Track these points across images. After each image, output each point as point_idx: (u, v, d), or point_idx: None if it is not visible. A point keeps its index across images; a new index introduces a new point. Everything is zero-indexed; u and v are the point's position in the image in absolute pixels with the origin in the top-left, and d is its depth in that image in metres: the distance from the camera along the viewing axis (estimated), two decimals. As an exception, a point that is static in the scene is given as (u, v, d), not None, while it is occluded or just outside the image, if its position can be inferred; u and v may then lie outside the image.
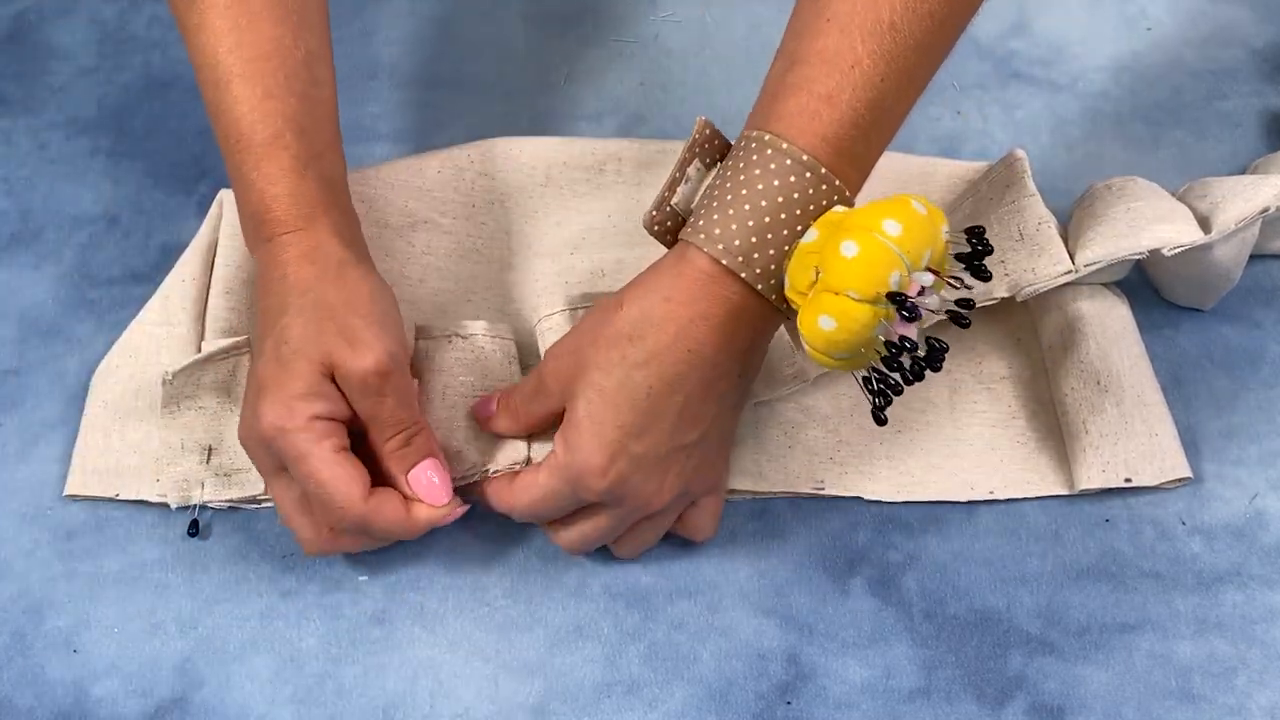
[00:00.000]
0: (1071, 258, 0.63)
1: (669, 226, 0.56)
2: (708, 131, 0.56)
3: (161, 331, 0.65)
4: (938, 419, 0.65)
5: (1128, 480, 0.62)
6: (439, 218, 0.70)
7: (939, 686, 0.57)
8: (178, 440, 0.61)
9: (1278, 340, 0.68)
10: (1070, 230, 0.66)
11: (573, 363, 0.55)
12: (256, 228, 0.58)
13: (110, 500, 0.62)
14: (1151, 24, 0.82)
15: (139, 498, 0.62)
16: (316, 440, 0.53)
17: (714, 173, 0.56)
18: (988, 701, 0.57)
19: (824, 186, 0.53)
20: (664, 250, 0.57)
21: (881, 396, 0.53)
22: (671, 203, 0.56)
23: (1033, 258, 0.63)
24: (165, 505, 0.61)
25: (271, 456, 0.55)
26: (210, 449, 0.61)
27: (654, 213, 0.56)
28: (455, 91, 0.79)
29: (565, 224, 0.71)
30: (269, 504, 0.62)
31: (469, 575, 0.60)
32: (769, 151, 0.53)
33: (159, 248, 0.71)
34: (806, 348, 0.52)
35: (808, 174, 0.53)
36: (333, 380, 0.55)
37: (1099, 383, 0.63)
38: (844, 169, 0.54)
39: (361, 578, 0.60)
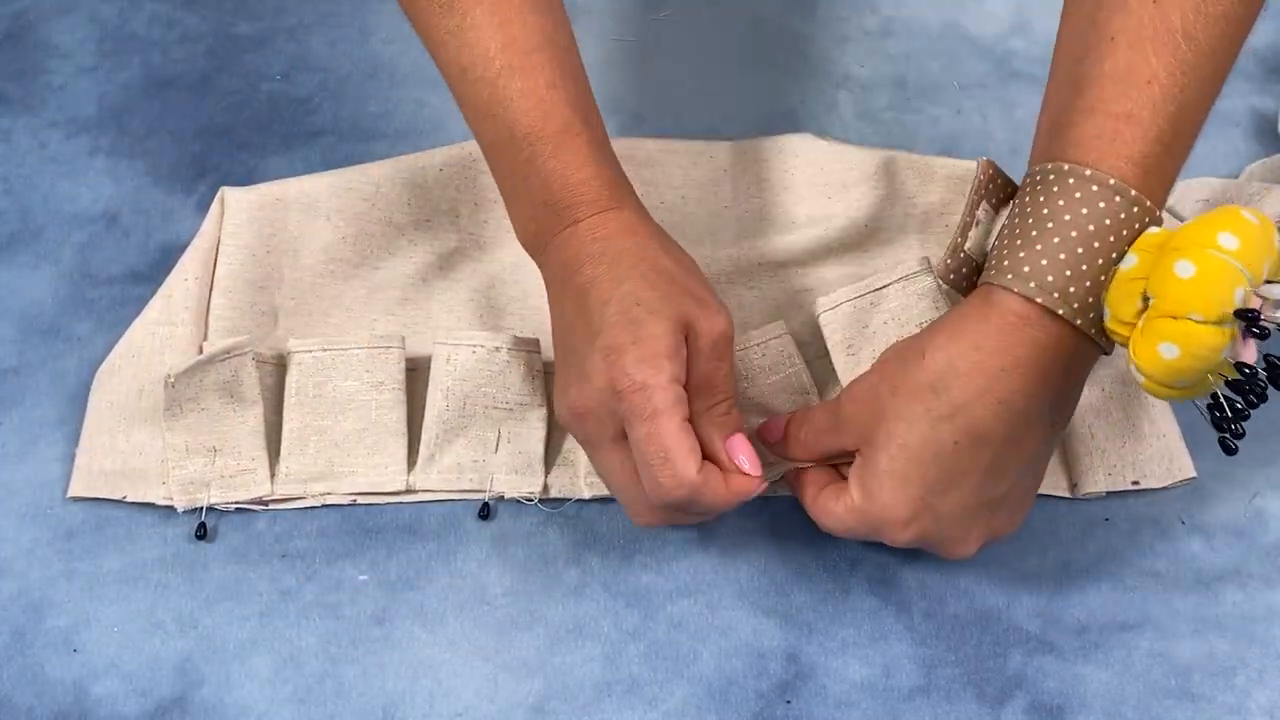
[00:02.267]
0: None
1: (964, 274, 0.55)
2: (991, 172, 0.55)
3: (164, 331, 0.65)
4: None
5: (1135, 483, 0.61)
6: (440, 216, 0.70)
7: (939, 685, 0.57)
8: (182, 442, 0.61)
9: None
10: None
11: (871, 409, 0.54)
12: (558, 214, 0.57)
13: (111, 500, 0.62)
14: (1151, 24, 0.82)
15: (145, 500, 0.62)
16: (673, 403, 0.52)
17: (1006, 213, 0.54)
18: (987, 700, 0.57)
19: (1135, 209, 0.50)
20: None
21: (1231, 423, 0.50)
22: (965, 249, 0.54)
23: None
24: (169, 506, 0.61)
25: (612, 421, 0.53)
26: (215, 450, 0.61)
27: (948, 260, 0.54)
28: (455, 91, 0.79)
29: None
30: (276, 506, 0.62)
31: (469, 575, 0.60)
32: (1071, 181, 0.51)
33: (159, 247, 0.71)
34: (1142, 380, 0.48)
35: (1117, 198, 0.50)
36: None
37: (1103, 389, 0.63)
38: (1152, 188, 0.51)
39: (361, 577, 0.60)
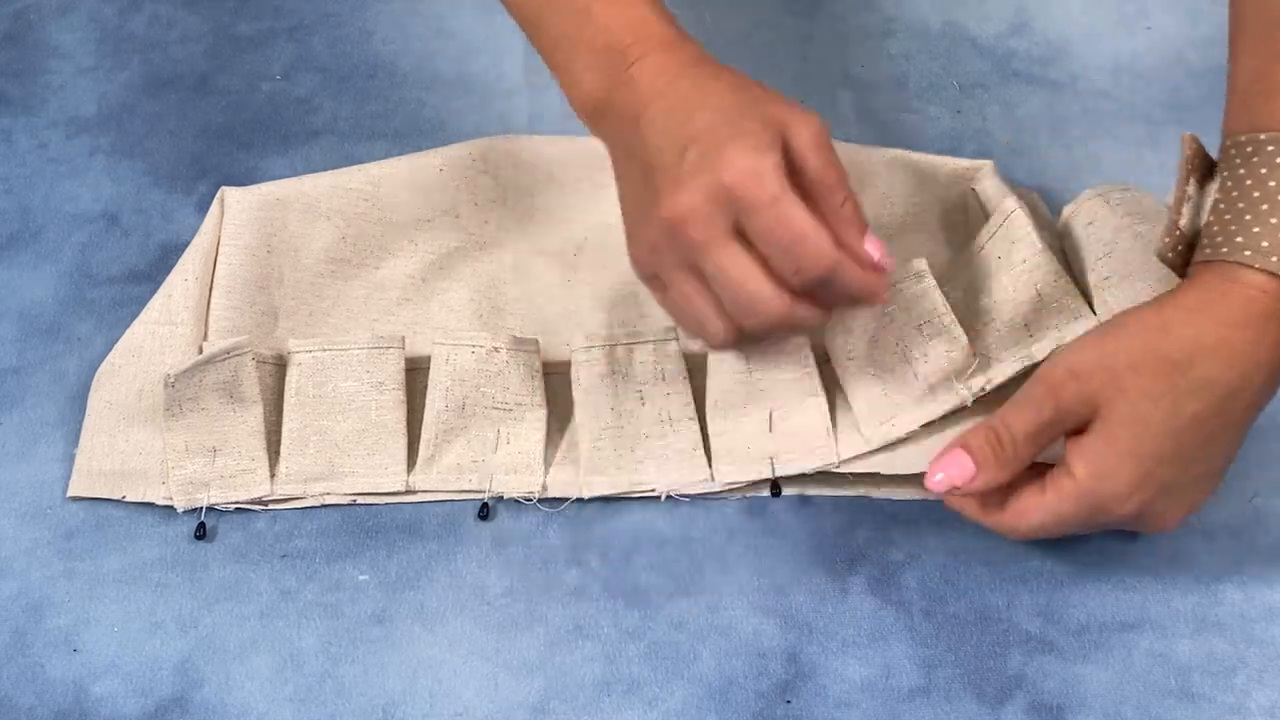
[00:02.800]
0: (1087, 295, 0.62)
1: (1180, 251, 0.54)
2: (1196, 146, 0.55)
3: (164, 330, 0.65)
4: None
5: None
6: (441, 215, 0.70)
7: (939, 685, 0.57)
8: (182, 442, 0.61)
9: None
10: (1071, 249, 0.65)
11: (1104, 383, 0.53)
12: (621, 54, 0.56)
13: (111, 500, 0.62)
14: (1151, 24, 0.82)
15: (145, 500, 0.62)
16: (788, 188, 0.51)
17: (1215, 187, 0.54)
18: (987, 700, 0.57)
19: None
20: None
21: None
22: (1180, 225, 0.54)
23: (1055, 315, 0.62)
24: (169, 506, 0.61)
25: (722, 218, 0.52)
26: (215, 450, 0.61)
27: (1166, 239, 0.54)
28: (455, 91, 0.79)
29: (568, 222, 0.71)
30: (275, 506, 0.62)
31: (469, 575, 0.60)
32: None
33: (159, 247, 0.71)
34: None
35: None
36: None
37: None
38: None
39: (362, 577, 0.60)
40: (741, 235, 0.53)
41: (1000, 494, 0.56)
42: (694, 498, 0.62)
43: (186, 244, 0.68)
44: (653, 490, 0.62)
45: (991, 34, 0.82)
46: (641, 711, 0.57)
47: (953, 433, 0.60)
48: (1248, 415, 0.54)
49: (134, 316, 0.66)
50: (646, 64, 0.56)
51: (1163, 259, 0.55)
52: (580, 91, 0.58)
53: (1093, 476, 0.53)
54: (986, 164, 0.70)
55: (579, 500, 0.62)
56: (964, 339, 0.61)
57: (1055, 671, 0.58)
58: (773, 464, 0.62)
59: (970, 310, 0.63)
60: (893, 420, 0.61)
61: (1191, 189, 0.54)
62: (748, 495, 0.63)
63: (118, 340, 0.66)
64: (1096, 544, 0.61)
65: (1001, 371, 0.61)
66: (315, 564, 0.61)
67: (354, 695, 0.57)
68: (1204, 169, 0.55)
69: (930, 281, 0.61)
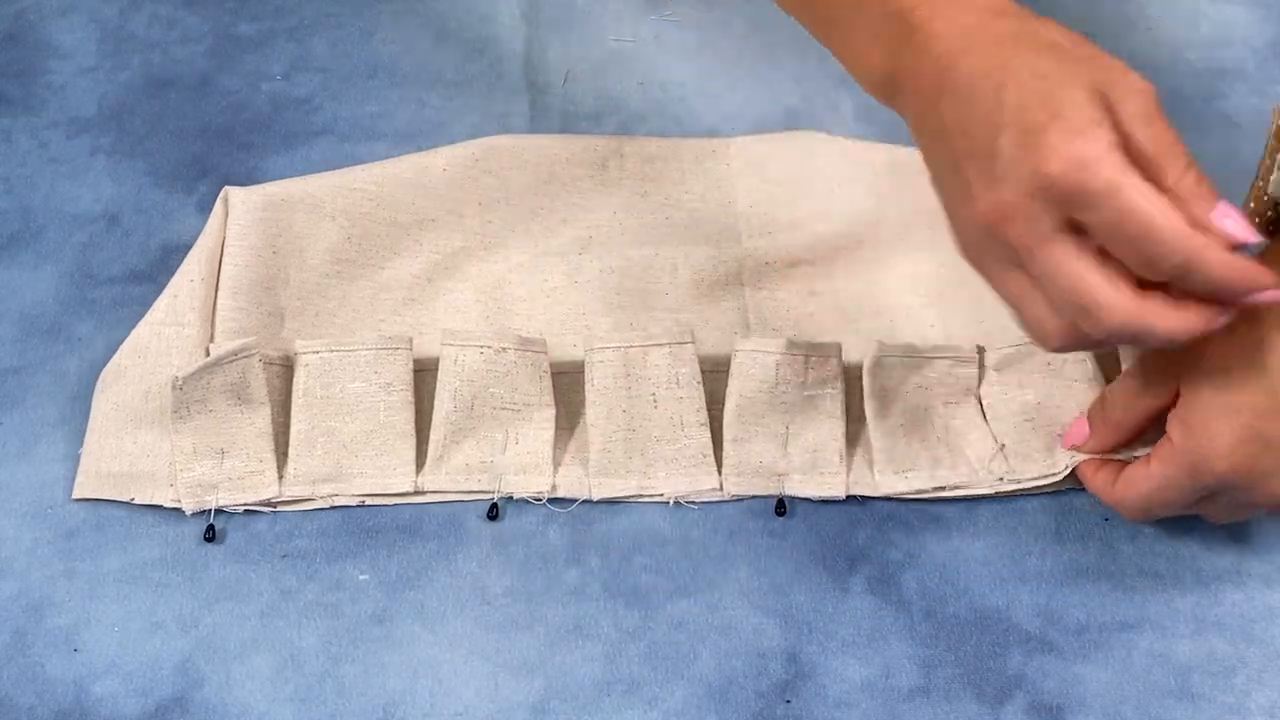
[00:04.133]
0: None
1: (1269, 217, 0.54)
2: None
3: (171, 331, 0.65)
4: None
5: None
6: (446, 215, 0.70)
7: (938, 685, 0.57)
8: (189, 445, 0.61)
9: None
10: None
11: (1190, 351, 0.52)
12: (906, 18, 0.51)
13: (112, 500, 0.62)
14: (1151, 24, 0.82)
15: (153, 502, 0.62)
16: (1126, 170, 0.45)
17: None
18: (987, 700, 0.57)
19: None
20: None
21: None
22: (1268, 192, 0.54)
23: None
24: (171, 507, 0.61)
25: (1049, 214, 0.46)
26: (223, 452, 0.61)
27: (1251, 204, 0.54)
28: (455, 91, 0.79)
29: (571, 221, 0.71)
30: (283, 507, 0.62)
31: (469, 574, 0.60)
32: None
33: (159, 247, 0.71)
34: None
35: None
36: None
37: None
38: None
39: (362, 577, 0.60)
40: (1075, 228, 0.47)
41: (1116, 469, 0.57)
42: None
43: (187, 244, 0.68)
44: (660, 496, 0.62)
45: (991, 34, 0.82)
46: (641, 711, 0.57)
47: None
48: None
49: (135, 316, 0.66)
50: (937, 25, 0.50)
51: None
52: (867, 68, 0.53)
53: (1184, 435, 0.53)
54: None
55: (583, 500, 0.62)
56: (992, 438, 0.62)
57: (1055, 671, 0.58)
58: (782, 483, 0.62)
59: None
60: (908, 474, 0.62)
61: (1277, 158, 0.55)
62: (747, 495, 0.63)
63: (119, 340, 0.66)
64: (1096, 544, 0.61)
65: (1027, 471, 0.62)
66: (316, 564, 0.61)
67: (354, 695, 0.57)
68: None
69: (973, 370, 0.63)
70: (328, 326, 0.66)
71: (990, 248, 0.49)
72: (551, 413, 0.63)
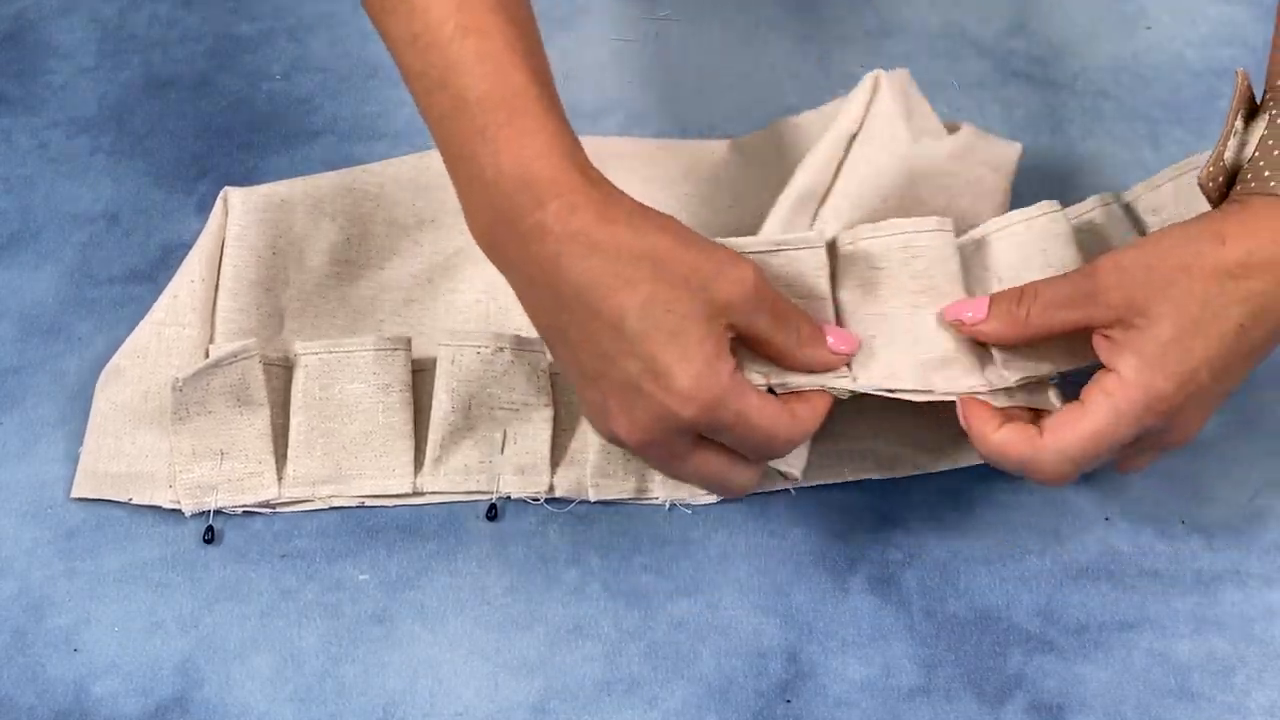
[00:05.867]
0: None
1: (1220, 182, 0.55)
2: (1247, 83, 0.56)
3: (170, 332, 0.65)
4: None
5: None
6: (444, 216, 0.70)
7: (938, 685, 0.57)
8: (189, 446, 0.61)
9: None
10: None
11: (1149, 281, 0.53)
12: (520, 193, 0.51)
13: (112, 500, 0.62)
14: (1151, 23, 0.82)
15: (152, 503, 0.62)
16: (745, 393, 0.51)
17: (1263, 125, 0.55)
18: (987, 700, 0.57)
19: None
20: None
21: None
22: (1224, 157, 0.55)
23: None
24: (172, 508, 0.61)
25: (682, 438, 0.52)
26: (223, 454, 0.61)
27: (1210, 168, 0.55)
28: (455, 91, 0.79)
29: None
30: (283, 508, 0.62)
31: (469, 574, 0.60)
32: None
33: (159, 247, 0.71)
34: None
35: None
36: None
37: None
38: None
39: (362, 577, 0.60)
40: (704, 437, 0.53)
41: (1029, 422, 0.55)
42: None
43: (187, 244, 0.68)
44: (656, 499, 0.62)
45: (991, 34, 0.82)
46: (641, 711, 0.57)
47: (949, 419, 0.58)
48: (1270, 344, 0.54)
49: (135, 316, 0.66)
50: (549, 217, 0.50)
51: (1203, 187, 0.55)
52: (475, 220, 0.54)
53: (1142, 367, 0.52)
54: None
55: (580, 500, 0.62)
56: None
57: (1055, 671, 0.58)
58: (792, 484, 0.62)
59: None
60: (893, 373, 0.57)
61: (1239, 124, 0.56)
62: (748, 495, 0.62)
63: (119, 340, 0.66)
64: (1096, 544, 0.61)
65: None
66: (315, 564, 0.61)
67: (354, 695, 0.57)
68: (1250, 107, 0.56)
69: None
70: (327, 327, 0.66)
71: (637, 454, 0.54)
72: (549, 413, 0.63)
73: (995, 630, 0.59)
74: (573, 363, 0.53)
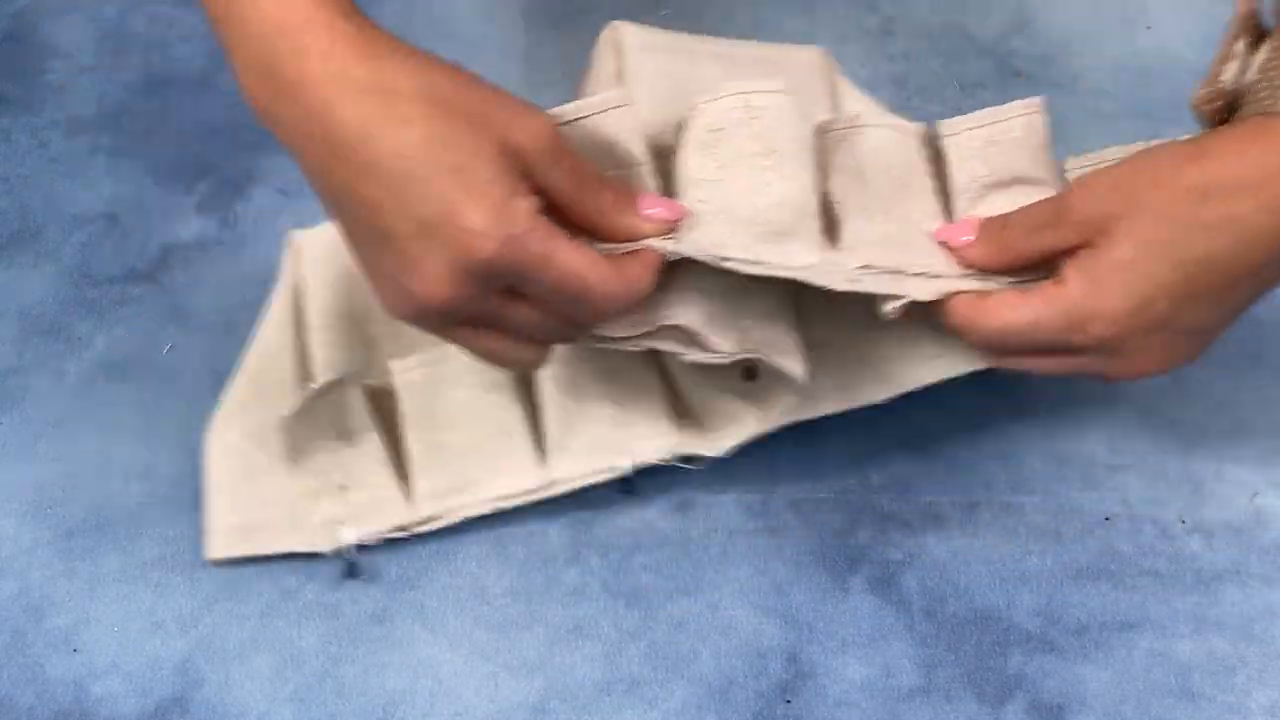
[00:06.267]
0: None
1: (1219, 106, 0.53)
2: (1250, 8, 0.53)
3: (269, 378, 0.63)
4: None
5: None
6: None
7: (939, 685, 0.57)
8: (310, 486, 0.60)
9: (1277, 338, 0.68)
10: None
11: (1115, 200, 0.50)
12: (280, 39, 0.47)
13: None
14: (1151, 23, 0.82)
15: (288, 550, 0.60)
16: (553, 234, 0.47)
17: (1266, 48, 0.52)
18: (987, 700, 0.57)
19: None
20: None
21: None
22: (1221, 79, 0.53)
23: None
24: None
25: (485, 291, 0.47)
26: (344, 487, 0.61)
27: (1203, 90, 0.53)
28: (455, 91, 0.79)
29: None
30: (418, 528, 0.60)
31: (469, 574, 0.60)
32: None
33: (159, 247, 0.71)
34: None
35: None
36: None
37: None
38: None
39: (362, 576, 0.60)
40: (512, 291, 0.49)
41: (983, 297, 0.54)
42: (693, 498, 0.62)
43: (187, 243, 0.68)
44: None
45: (991, 34, 0.82)
46: (641, 711, 0.57)
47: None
48: (1260, 278, 0.51)
49: (135, 316, 0.66)
50: (312, 58, 0.46)
51: (1195, 110, 0.53)
52: (244, 76, 0.49)
53: (1086, 284, 0.51)
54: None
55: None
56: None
57: (1055, 671, 0.58)
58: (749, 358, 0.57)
59: None
60: (722, 242, 0.55)
61: (1240, 48, 0.53)
62: (748, 495, 0.62)
63: (118, 340, 0.66)
64: (1096, 544, 0.61)
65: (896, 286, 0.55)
66: (315, 563, 0.61)
67: (354, 695, 0.57)
68: (1257, 34, 0.54)
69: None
70: (421, 344, 0.63)
71: (432, 321, 0.50)
72: (657, 375, 0.61)
73: (995, 630, 0.59)
74: (356, 230, 0.49)
